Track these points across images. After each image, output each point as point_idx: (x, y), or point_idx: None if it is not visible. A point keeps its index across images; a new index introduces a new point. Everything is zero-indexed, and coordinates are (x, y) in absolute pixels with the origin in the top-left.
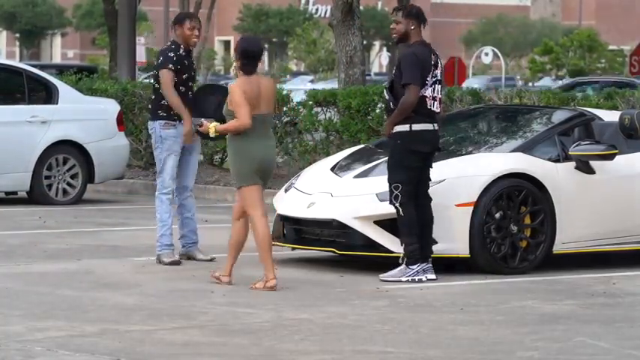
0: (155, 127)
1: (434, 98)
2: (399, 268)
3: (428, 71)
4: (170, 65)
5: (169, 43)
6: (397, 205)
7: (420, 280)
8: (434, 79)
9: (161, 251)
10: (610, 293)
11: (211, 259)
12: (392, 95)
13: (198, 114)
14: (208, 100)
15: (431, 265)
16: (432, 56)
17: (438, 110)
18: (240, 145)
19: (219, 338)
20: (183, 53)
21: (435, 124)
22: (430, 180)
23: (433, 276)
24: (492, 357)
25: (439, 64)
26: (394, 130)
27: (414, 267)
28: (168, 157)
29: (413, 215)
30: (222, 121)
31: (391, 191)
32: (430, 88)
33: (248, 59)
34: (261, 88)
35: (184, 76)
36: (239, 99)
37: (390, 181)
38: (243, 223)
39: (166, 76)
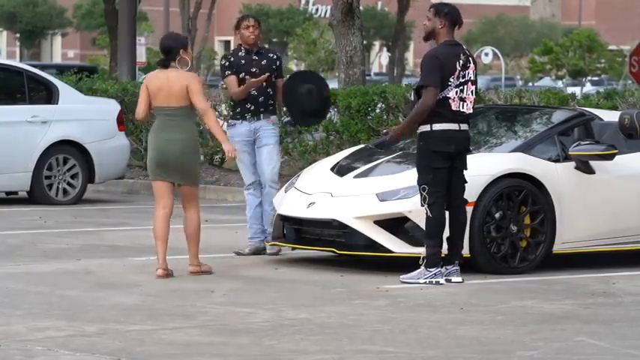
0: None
1: (462, 99)
2: (418, 270)
3: (451, 72)
4: (227, 72)
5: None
6: (425, 206)
7: (438, 283)
8: (462, 80)
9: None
10: (610, 293)
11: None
12: (417, 97)
13: (288, 103)
14: (298, 89)
15: (458, 267)
16: (462, 56)
17: (469, 112)
18: (149, 139)
19: (219, 338)
20: (243, 53)
21: (462, 125)
22: (466, 182)
23: (459, 279)
24: (492, 357)
25: (470, 64)
26: (418, 131)
27: (432, 270)
28: (237, 155)
29: (440, 218)
30: (318, 110)
31: (420, 193)
32: (455, 90)
33: (162, 53)
34: (165, 82)
35: (241, 75)
36: (140, 92)
37: (417, 183)
38: (188, 214)
39: (227, 83)
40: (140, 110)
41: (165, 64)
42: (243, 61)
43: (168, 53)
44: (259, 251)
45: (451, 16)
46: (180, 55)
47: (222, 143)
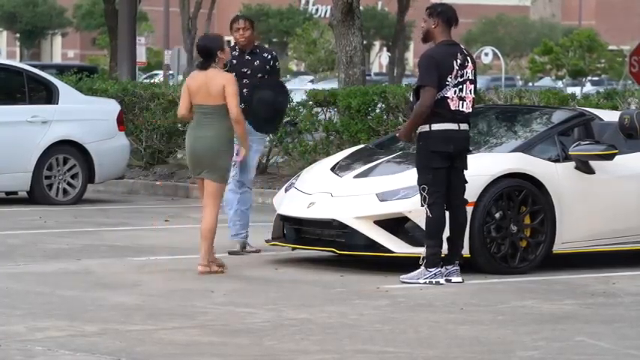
0: None
1: (461, 98)
2: (418, 270)
3: (448, 72)
4: None
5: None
6: (425, 206)
7: (438, 283)
8: (460, 79)
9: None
10: (610, 293)
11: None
12: (416, 98)
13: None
14: (262, 93)
15: (458, 267)
16: (459, 55)
17: (468, 110)
18: (186, 137)
19: (219, 338)
20: (236, 53)
21: (462, 124)
22: (466, 182)
23: (459, 279)
24: (492, 357)
25: (468, 63)
26: (418, 131)
27: (432, 270)
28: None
29: (440, 218)
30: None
31: (420, 193)
32: (454, 89)
33: (201, 55)
34: (204, 81)
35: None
36: (182, 93)
37: (417, 184)
38: (205, 212)
39: None
40: (180, 109)
41: (205, 67)
42: (234, 61)
43: (208, 56)
44: (244, 246)
45: (444, 15)
46: (219, 55)
47: (244, 148)
